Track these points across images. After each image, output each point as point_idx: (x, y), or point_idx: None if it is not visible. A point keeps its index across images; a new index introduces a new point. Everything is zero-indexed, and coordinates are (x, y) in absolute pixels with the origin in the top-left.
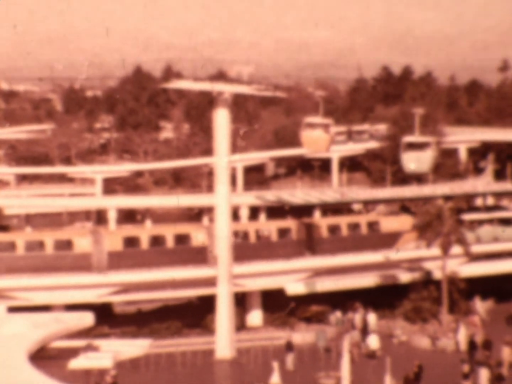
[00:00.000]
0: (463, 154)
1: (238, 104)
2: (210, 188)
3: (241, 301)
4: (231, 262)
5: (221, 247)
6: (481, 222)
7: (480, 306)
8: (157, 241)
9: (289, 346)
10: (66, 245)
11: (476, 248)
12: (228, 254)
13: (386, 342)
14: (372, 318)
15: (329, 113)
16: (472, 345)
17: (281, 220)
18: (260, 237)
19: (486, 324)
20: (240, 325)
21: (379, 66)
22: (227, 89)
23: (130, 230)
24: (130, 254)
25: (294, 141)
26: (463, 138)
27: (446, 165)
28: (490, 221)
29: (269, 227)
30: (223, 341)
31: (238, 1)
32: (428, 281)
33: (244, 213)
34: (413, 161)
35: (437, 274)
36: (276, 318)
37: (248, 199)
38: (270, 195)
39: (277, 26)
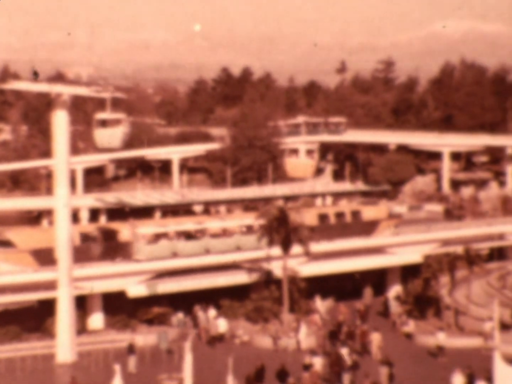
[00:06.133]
0: (302, 155)
1: (77, 106)
2: (49, 191)
3: (82, 304)
4: (71, 265)
5: (61, 249)
6: (159, 236)
7: (321, 305)
8: None
9: (130, 349)
10: None
11: (317, 248)
12: (69, 257)
13: (228, 342)
14: (212, 313)
15: (168, 115)
16: (334, 334)
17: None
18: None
19: (327, 323)
20: (81, 328)
21: (219, 67)
22: (66, 91)
23: None
24: None
25: (134, 143)
26: (302, 139)
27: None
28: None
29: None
30: (64, 345)
31: (75, 1)
32: (269, 281)
33: (84, 215)
34: (105, 138)
35: (278, 274)
36: (117, 320)
37: (88, 201)
38: (110, 197)
39: (116, 27)
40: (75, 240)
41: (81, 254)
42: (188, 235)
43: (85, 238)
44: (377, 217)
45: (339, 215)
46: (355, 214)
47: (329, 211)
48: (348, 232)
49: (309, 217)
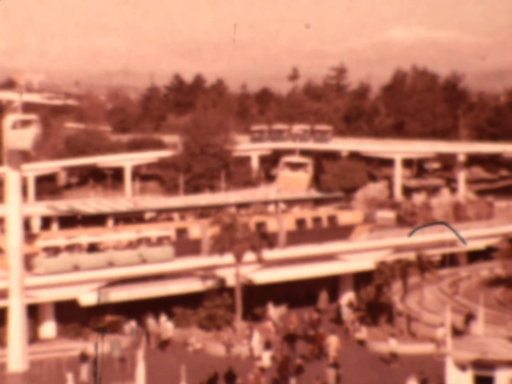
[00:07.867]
0: (255, 162)
1: (29, 113)
2: (0, 198)
3: (34, 313)
4: (23, 273)
5: (13, 258)
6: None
7: (273, 312)
8: None
9: (83, 357)
10: None
11: (270, 255)
12: (20, 266)
13: (181, 350)
14: (163, 319)
15: (121, 122)
16: (291, 338)
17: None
18: None
19: (280, 330)
20: (33, 337)
21: (171, 74)
22: (17, 98)
23: None
24: None
25: (86, 150)
26: (254, 146)
27: (239, 173)
28: (70, 248)
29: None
30: (16, 354)
31: (26, 8)
32: (222, 289)
33: (36, 223)
34: (16, 139)
35: (231, 281)
36: (69, 329)
37: (40, 209)
38: (62, 205)
39: (68, 34)
40: None
41: None
42: (92, 248)
43: None
44: (352, 222)
45: (316, 220)
46: (331, 219)
47: (306, 216)
48: (324, 236)
49: (287, 222)
